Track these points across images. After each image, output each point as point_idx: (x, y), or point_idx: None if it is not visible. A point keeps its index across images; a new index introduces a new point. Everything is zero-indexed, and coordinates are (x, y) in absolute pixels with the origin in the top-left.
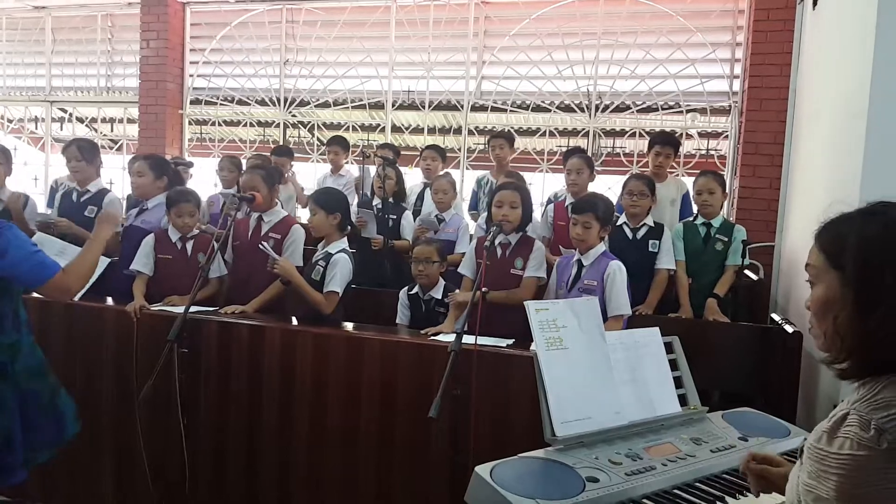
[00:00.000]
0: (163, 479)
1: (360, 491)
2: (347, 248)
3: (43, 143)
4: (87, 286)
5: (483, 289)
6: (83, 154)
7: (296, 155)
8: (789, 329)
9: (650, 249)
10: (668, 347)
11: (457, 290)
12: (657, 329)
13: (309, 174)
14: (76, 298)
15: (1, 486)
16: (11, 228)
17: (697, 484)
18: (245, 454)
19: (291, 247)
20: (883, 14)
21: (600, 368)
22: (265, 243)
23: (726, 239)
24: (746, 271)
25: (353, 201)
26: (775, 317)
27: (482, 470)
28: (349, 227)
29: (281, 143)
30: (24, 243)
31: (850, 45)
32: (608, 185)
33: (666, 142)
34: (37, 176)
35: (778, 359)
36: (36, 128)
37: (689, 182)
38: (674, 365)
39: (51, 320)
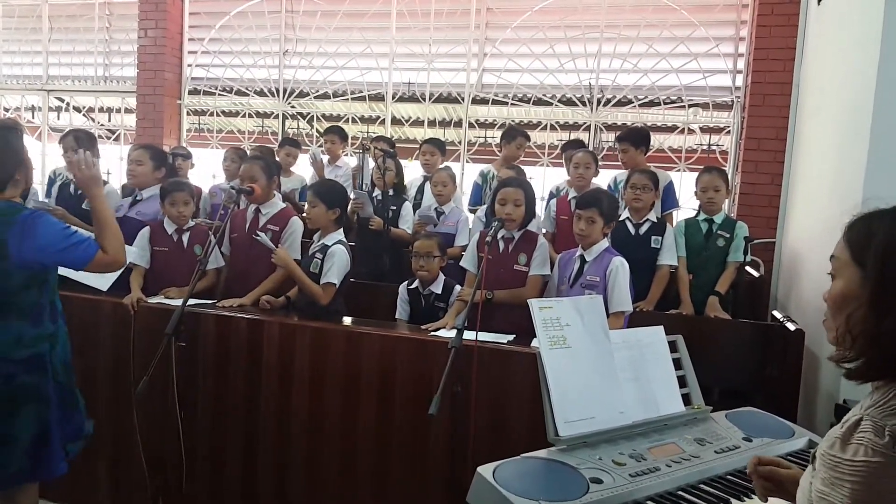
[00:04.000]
0: (160, 473)
1: (358, 487)
2: (344, 240)
3: (40, 133)
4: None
5: (488, 294)
6: (80, 145)
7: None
8: (791, 327)
9: (653, 245)
10: (672, 346)
11: (458, 286)
12: (661, 328)
13: (308, 166)
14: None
15: (42, 479)
16: (42, 216)
17: (702, 486)
18: (242, 448)
19: (290, 238)
20: (890, 11)
21: (604, 367)
22: (261, 234)
23: (728, 235)
24: (747, 268)
25: (349, 192)
26: (776, 314)
27: (485, 470)
28: (346, 222)
29: (280, 134)
30: (56, 228)
31: (855, 42)
32: (608, 181)
33: (621, 138)
34: (33, 166)
35: (779, 356)
36: (33, 117)
37: (690, 177)
38: (677, 364)
39: None
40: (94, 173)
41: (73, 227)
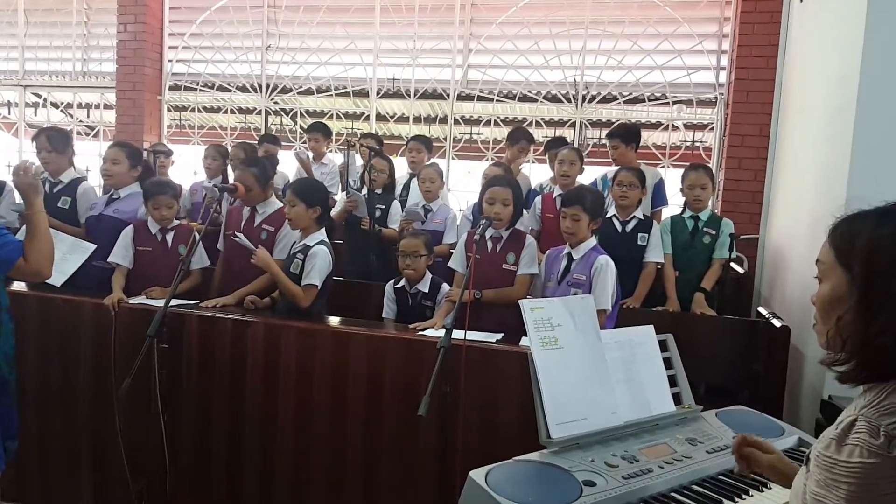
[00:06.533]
0: (142, 476)
1: (345, 488)
2: (326, 240)
3: (16, 129)
4: (74, 270)
5: (476, 294)
6: (52, 144)
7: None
8: (777, 324)
9: (639, 243)
10: (662, 345)
11: (446, 285)
12: (651, 327)
13: (291, 163)
14: (61, 282)
15: None
16: None
17: (694, 486)
18: (227, 451)
19: (284, 240)
20: (873, 8)
21: (596, 368)
22: (239, 235)
23: (714, 232)
24: (732, 264)
25: (338, 190)
26: (762, 310)
27: (477, 475)
28: (328, 221)
29: (263, 130)
30: None
31: (838, 39)
32: (593, 177)
33: (611, 134)
34: (10, 163)
35: (765, 353)
36: (9, 113)
37: (673, 173)
38: (667, 363)
39: (26, 313)
40: (33, 181)
41: (6, 230)
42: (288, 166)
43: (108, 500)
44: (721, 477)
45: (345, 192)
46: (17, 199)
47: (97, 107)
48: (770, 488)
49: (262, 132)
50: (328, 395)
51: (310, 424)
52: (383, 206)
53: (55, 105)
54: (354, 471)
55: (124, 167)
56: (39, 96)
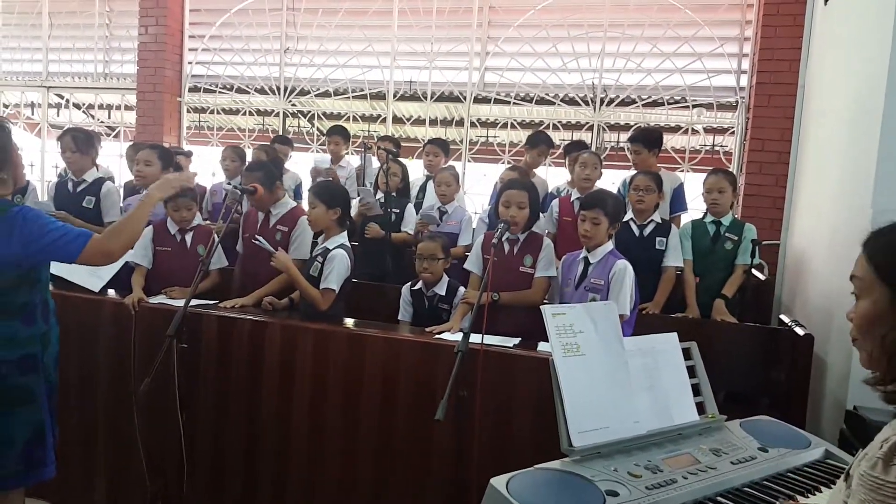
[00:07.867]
0: (160, 475)
1: (358, 490)
2: (346, 244)
3: (39, 129)
4: (112, 275)
5: (494, 296)
6: (77, 145)
7: (295, 145)
8: (800, 332)
9: (657, 247)
10: (686, 353)
11: (462, 288)
12: (675, 334)
13: (304, 163)
14: (99, 287)
15: (33, 482)
16: (30, 210)
17: (719, 498)
18: (243, 451)
19: (298, 240)
20: None
21: (618, 375)
22: (259, 237)
23: (736, 238)
24: (753, 271)
25: (354, 192)
26: (784, 318)
27: (498, 482)
28: (348, 223)
29: (280, 132)
30: (45, 221)
31: (864, 43)
32: (612, 181)
33: (633, 139)
34: (32, 162)
35: (787, 361)
36: (32, 114)
37: (693, 178)
38: (691, 371)
39: None
40: (168, 184)
41: (62, 223)
42: (300, 167)
43: (124, 499)
44: (746, 489)
45: (358, 197)
46: (40, 198)
47: (118, 108)
48: (798, 502)
49: (280, 134)
50: (343, 397)
51: (324, 426)
52: (398, 210)
53: (77, 106)
54: (368, 473)
55: (156, 169)
56: (62, 97)
